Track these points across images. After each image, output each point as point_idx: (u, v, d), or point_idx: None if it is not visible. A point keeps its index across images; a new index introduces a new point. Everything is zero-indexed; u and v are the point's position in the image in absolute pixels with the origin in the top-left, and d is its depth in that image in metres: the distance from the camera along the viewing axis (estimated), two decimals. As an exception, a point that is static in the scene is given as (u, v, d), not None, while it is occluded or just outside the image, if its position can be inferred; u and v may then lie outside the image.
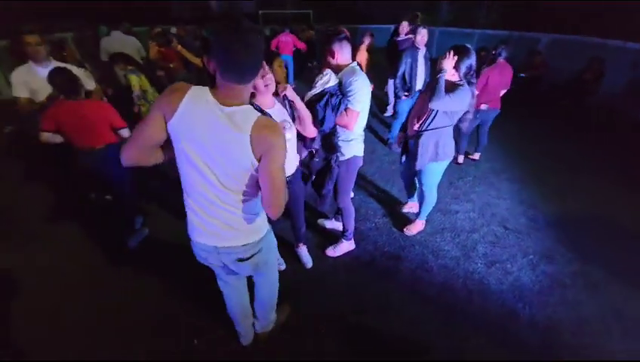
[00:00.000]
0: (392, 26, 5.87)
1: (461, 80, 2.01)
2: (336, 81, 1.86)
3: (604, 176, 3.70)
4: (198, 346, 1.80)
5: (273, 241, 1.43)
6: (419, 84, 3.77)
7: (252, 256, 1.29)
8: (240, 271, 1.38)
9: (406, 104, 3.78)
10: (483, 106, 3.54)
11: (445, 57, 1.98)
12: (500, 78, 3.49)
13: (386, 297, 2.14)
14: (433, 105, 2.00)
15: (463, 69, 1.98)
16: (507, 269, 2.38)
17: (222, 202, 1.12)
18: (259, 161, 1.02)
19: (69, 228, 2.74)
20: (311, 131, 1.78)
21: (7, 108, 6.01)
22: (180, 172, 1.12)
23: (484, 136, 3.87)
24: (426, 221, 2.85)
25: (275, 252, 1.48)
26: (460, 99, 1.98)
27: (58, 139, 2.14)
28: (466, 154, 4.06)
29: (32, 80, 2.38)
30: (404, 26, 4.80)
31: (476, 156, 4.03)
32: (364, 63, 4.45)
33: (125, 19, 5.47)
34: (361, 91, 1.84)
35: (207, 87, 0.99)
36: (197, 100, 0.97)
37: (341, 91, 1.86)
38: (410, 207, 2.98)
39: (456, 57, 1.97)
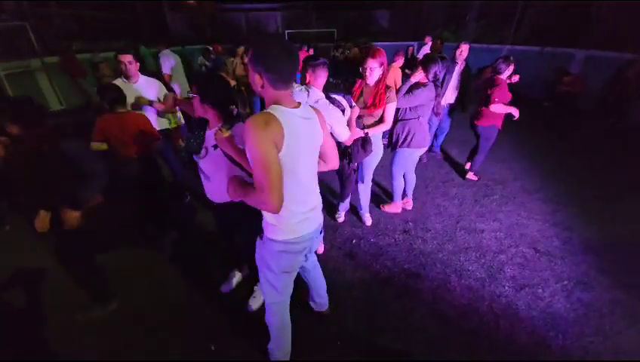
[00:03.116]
0: (415, 43, 5.92)
1: (429, 81, 2.57)
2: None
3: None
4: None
5: None
6: (449, 97, 3.81)
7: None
8: (317, 245, 1.55)
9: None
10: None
11: (416, 72, 2.57)
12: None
13: (404, 316, 2.07)
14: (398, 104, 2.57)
15: (431, 73, 2.54)
16: (538, 294, 2.23)
17: (316, 186, 1.35)
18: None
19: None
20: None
21: (53, 120, 6.59)
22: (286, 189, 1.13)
23: (481, 153, 3.61)
24: (449, 239, 2.77)
25: None
26: (414, 96, 2.55)
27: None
28: (464, 172, 3.87)
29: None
30: (428, 40, 4.81)
31: (470, 176, 3.79)
32: (399, 82, 4.31)
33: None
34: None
35: (277, 106, 1.10)
36: (289, 119, 1.08)
37: None
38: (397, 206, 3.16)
39: (422, 72, 2.54)
